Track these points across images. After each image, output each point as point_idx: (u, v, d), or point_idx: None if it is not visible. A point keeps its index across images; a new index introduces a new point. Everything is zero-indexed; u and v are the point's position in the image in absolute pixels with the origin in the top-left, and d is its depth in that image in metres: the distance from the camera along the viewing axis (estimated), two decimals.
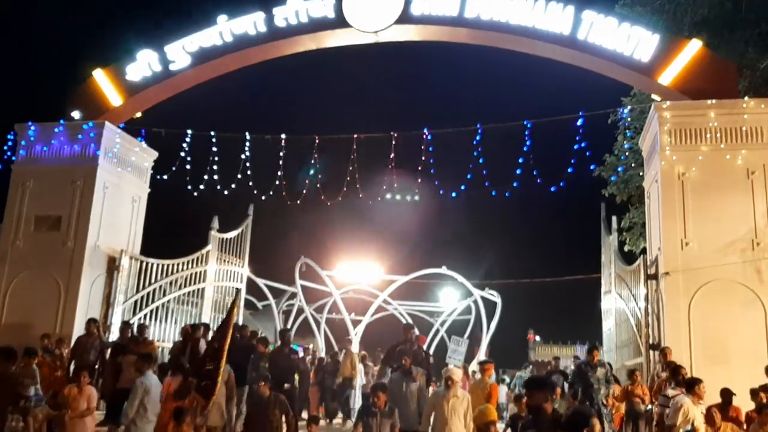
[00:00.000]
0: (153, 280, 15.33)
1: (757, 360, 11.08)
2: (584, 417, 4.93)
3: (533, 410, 5.28)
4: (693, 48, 13.27)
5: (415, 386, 9.74)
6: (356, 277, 24.60)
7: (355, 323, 22.48)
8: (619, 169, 16.96)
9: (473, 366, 19.71)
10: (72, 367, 12.30)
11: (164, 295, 15.58)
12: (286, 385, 10.97)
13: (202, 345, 12.04)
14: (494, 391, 10.17)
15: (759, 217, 12.45)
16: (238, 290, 17.25)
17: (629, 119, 16.66)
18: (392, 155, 13.93)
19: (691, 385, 8.74)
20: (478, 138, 13.80)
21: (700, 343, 11.97)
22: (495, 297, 25.14)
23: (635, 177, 17.10)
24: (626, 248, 18.45)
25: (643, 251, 15.52)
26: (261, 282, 21.15)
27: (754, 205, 12.52)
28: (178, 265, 15.76)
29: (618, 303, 15.45)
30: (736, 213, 12.52)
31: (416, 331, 12.58)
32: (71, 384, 10.23)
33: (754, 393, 9.70)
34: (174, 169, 15.37)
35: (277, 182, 14.41)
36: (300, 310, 23.26)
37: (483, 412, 7.90)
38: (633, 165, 16.96)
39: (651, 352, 12.85)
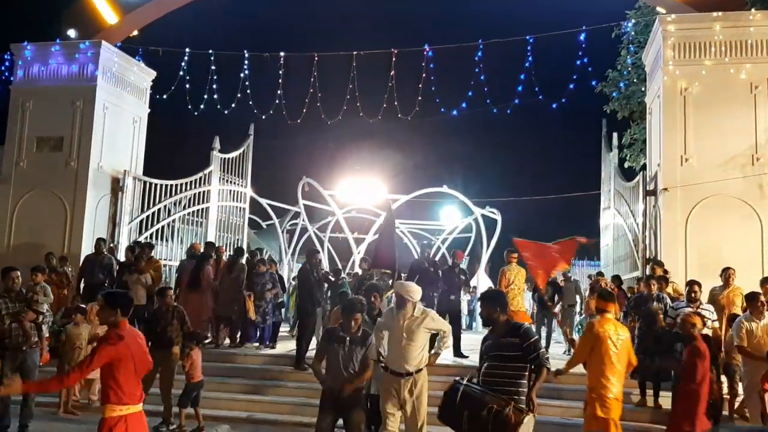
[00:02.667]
0: (157, 201, 15.50)
1: (751, 274, 11.27)
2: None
3: (487, 321, 5.94)
4: None
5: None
6: (358, 196, 24.69)
7: (358, 242, 22.78)
8: (621, 84, 16.79)
9: (473, 282, 20.08)
10: (81, 285, 12.66)
11: (169, 215, 15.78)
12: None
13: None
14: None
15: (761, 132, 12.46)
16: None
17: (633, 33, 16.40)
18: (392, 73, 13.80)
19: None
20: (479, 54, 13.64)
21: (695, 258, 12.20)
22: (495, 215, 25.27)
23: (637, 93, 16.96)
24: (626, 165, 18.49)
25: (643, 168, 15.58)
26: (264, 202, 21.25)
27: (756, 121, 12.52)
28: (181, 185, 15.88)
29: (616, 219, 15.64)
30: (738, 128, 12.52)
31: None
32: (88, 303, 10.56)
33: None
34: (173, 89, 15.28)
35: (277, 101, 14.34)
36: (303, 230, 23.49)
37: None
38: (635, 80, 16.79)
39: (647, 266, 13.11)
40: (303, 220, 22.39)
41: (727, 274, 10.26)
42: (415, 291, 6.68)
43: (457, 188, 23.39)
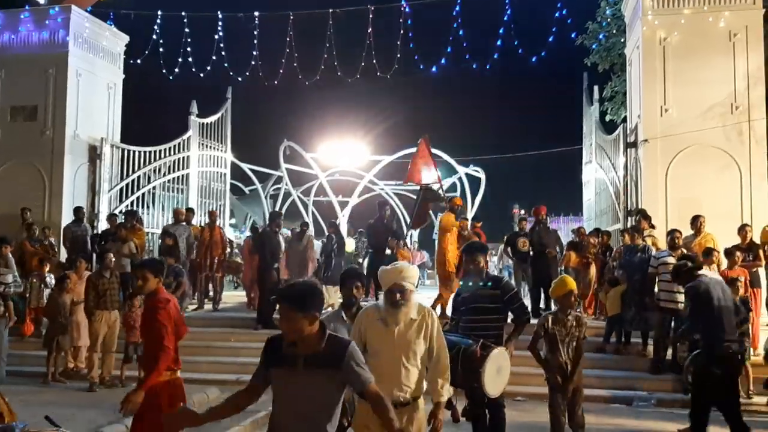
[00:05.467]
0: (136, 168, 15.33)
1: (731, 222, 11.35)
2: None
3: (474, 272, 5.91)
4: None
5: None
6: (341, 158, 24.59)
7: (343, 205, 22.74)
8: (601, 36, 16.66)
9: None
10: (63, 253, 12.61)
11: (149, 182, 15.64)
12: (276, 266, 11.19)
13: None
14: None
15: (739, 80, 12.46)
16: None
17: None
18: (370, 30, 13.60)
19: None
20: (457, 9, 13.47)
21: (675, 208, 12.27)
22: (479, 173, 25.28)
23: (618, 44, 16.84)
24: (608, 118, 18.43)
25: (624, 120, 15.56)
26: (246, 167, 21.15)
27: (735, 69, 12.50)
28: (159, 151, 15.69)
29: (598, 173, 15.67)
30: (717, 77, 12.51)
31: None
32: (69, 270, 10.55)
33: (728, 253, 10.00)
34: (147, 53, 15.01)
35: (253, 63, 14.13)
36: (287, 194, 23.42)
37: (561, 282, 6.16)
38: (615, 32, 16.66)
39: (628, 218, 13.19)
40: (286, 185, 22.31)
41: (698, 222, 10.39)
42: (415, 276, 4.37)
43: (441, 147, 23.31)
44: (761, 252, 10.20)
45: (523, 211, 52.29)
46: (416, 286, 4.37)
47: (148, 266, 4.97)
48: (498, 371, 5.29)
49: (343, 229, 18.92)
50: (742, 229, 10.42)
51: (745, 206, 12.14)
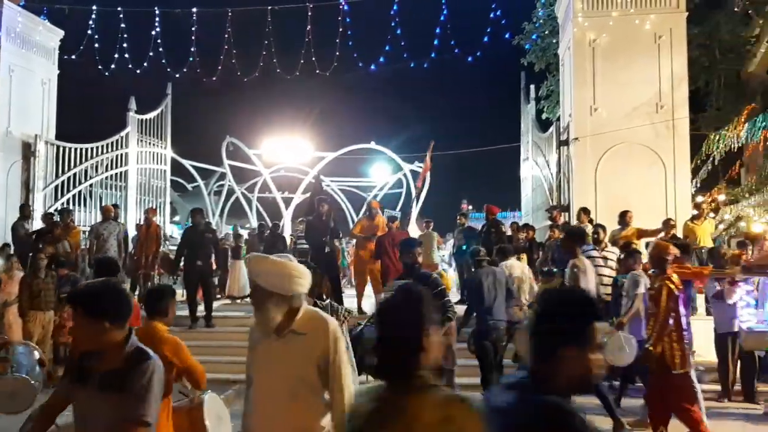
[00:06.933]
0: (72, 165, 15.07)
1: (656, 216, 11.84)
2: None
3: (410, 268, 6.13)
4: None
5: None
6: (285, 155, 24.53)
7: (287, 201, 22.71)
8: (534, 36, 17.09)
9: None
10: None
11: (87, 179, 15.38)
12: (198, 263, 10.94)
13: None
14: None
15: (664, 81, 12.97)
16: None
17: None
18: (309, 27, 13.68)
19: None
20: (395, 8, 13.65)
21: (604, 204, 12.69)
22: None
23: (552, 45, 17.31)
24: (544, 116, 18.93)
25: (558, 119, 16.02)
26: (187, 163, 20.91)
27: (660, 69, 13.00)
28: (97, 148, 15.46)
29: (534, 170, 16.10)
30: (643, 78, 12.99)
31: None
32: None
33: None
34: (82, 48, 14.76)
35: (192, 59, 14.04)
36: (231, 191, 23.27)
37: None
38: (548, 33, 17.11)
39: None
40: (229, 181, 22.17)
41: (626, 216, 10.80)
42: (299, 276, 3.11)
43: (385, 144, 23.52)
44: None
45: (471, 207, 52.99)
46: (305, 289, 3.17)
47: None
48: None
49: (288, 225, 18.98)
50: (666, 224, 10.89)
51: (669, 201, 12.67)
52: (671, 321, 5.95)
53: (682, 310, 6.07)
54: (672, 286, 6.00)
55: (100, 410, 2.51)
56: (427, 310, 2.11)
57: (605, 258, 9.40)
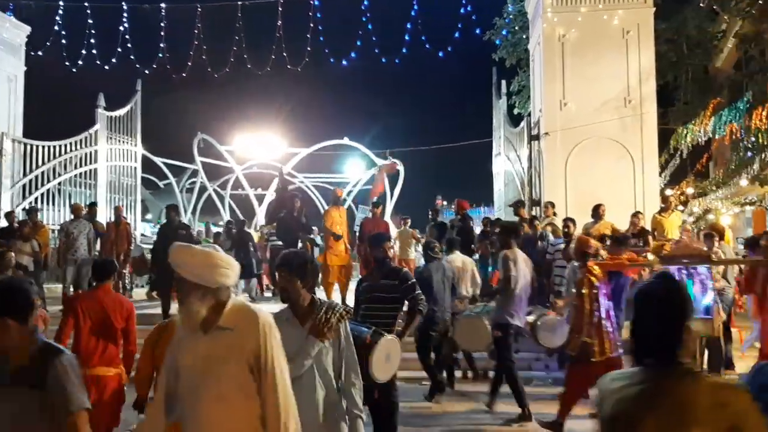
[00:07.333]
0: (40, 163, 14.84)
1: (625, 209, 12.01)
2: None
3: (380, 262, 6.05)
4: None
5: None
6: (258, 151, 24.41)
7: (260, 198, 22.61)
8: (504, 32, 17.21)
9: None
10: None
11: (55, 177, 15.16)
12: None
13: None
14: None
15: (632, 76, 13.14)
16: None
17: None
18: (279, 23, 13.62)
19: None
20: (365, 3, 13.64)
21: (574, 197, 12.85)
22: (398, 165, 25.59)
23: (523, 40, 17.44)
24: (516, 112, 19.08)
25: (529, 114, 16.16)
26: (159, 160, 20.69)
27: (628, 64, 13.18)
28: (64, 146, 15.24)
29: (506, 165, 16.22)
30: (611, 73, 13.16)
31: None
32: None
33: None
34: (50, 44, 14.54)
35: (161, 55, 13.91)
36: (203, 188, 23.08)
37: None
38: (518, 28, 17.24)
39: (533, 207, 13.74)
40: (201, 178, 22.00)
41: (600, 210, 10.94)
42: (226, 267, 2.84)
43: (359, 140, 23.52)
44: (650, 238, 10.86)
45: (446, 203, 53.20)
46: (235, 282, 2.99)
47: None
48: (387, 358, 5.51)
49: (261, 221, 18.89)
50: (635, 216, 11.05)
51: (638, 195, 12.86)
52: (594, 311, 6.18)
53: (603, 300, 6.30)
54: (592, 278, 6.26)
55: (9, 408, 2.47)
56: (687, 296, 2.26)
57: None
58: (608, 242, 8.22)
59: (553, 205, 12.02)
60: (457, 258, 9.19)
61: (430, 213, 13.68)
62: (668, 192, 16.64)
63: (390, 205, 25.39)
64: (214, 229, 17.87)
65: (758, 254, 8.22)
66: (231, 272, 2.82)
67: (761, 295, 6.39)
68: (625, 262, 7.02)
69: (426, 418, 7.25)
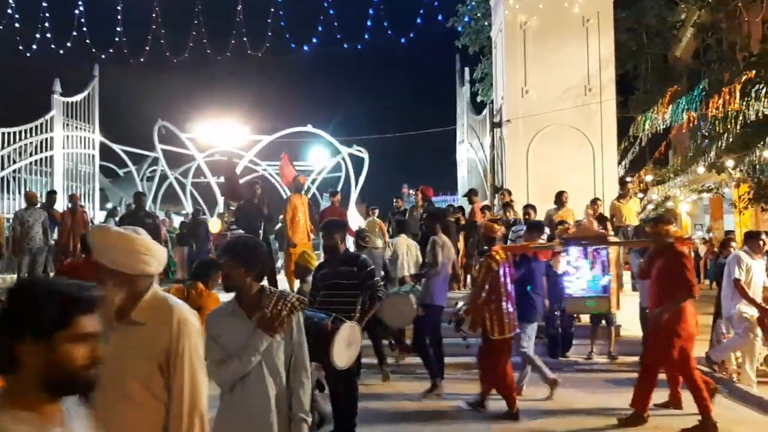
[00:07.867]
0: None
1: (585, 196, 12.14)
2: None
3: (330, 250, 6.06)
4: None
5: None
6: (220, 138, 24.09)
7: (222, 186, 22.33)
8: (466, 19, 17.23)
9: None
10: None
11: (10, 165, 14.76)
12: None
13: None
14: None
15: (592, 64, 13.25)
16: None
17: None
18: (239, 7, 13.40)
19: None
20: None
21: (536, 184, 12.96)
22: (363, 153, 25.52)
23: (486, 28, 17.48)
24: (479, 99, 19.14)
25: (492, 101, 16.22)
26: (118, 148, 20.30)
27: (588, 52, 13.28)
28: (19, 133, 14.83)
29: (470, 152, 16.28)
30: (572, 60, 13.25)
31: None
32: None
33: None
34: (2, 28, 14.11)
35: (118, 39, 13.60)
36: (164, 176, 22.72)
37: (305, 256, 7.08)
38: (481, 15, 17.26)
39: (495, 195, 13.80)
40: (162, 166, 21.66)
41: (563, 197, 11.05)
42: (146, 253, 2.61)
43: (323, 127, 23.35)
44: (609, 224, 11.01)
45: (412, 191, 53.33)
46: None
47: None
48: (348, 345, 5.49)
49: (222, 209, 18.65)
50: (594, 203, 11.19)
51: (597, 182, 13.01)
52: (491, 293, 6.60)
53: (506, 283, 6.69)
54: (492, 263, 6.65)
55: None
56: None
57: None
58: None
59: (509, 192, 12.12)
60: (402, 242, 9.35)
61: (394, 200, 13.70)
62: (628, 179, 16.91)
63: (354, 194, 25.33)
64: (176, 219, 17.65)
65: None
66: (152, 259, 2.58)
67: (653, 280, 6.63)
68: (528, 247, 7.29)
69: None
